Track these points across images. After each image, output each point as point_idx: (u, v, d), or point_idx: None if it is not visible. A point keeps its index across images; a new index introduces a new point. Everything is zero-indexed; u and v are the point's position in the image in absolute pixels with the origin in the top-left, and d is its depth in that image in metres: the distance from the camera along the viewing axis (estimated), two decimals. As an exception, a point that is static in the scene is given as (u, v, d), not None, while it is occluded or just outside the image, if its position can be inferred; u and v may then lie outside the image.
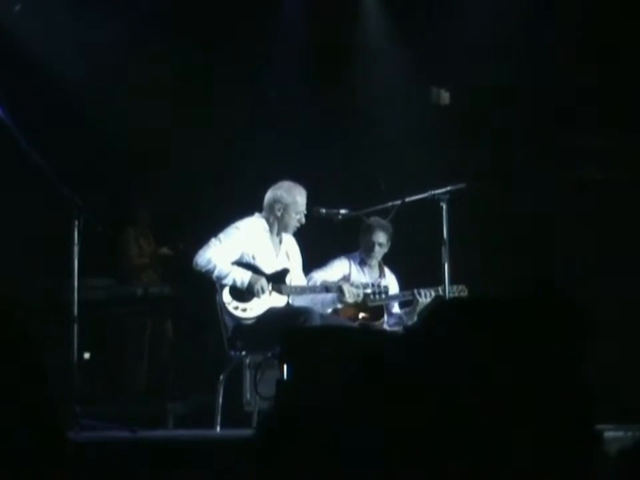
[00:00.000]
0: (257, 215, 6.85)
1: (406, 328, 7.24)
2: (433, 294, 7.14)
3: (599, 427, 1.51)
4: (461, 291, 7.05)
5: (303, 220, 6.81)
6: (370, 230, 7.39)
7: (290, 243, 6.95)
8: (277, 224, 6.82)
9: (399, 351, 1.43)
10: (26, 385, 1.59)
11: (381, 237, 7.41)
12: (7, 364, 1.60)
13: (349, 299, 6.83)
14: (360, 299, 6.92)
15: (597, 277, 8.07)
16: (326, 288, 6.95)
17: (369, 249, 7.45)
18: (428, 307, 7.23)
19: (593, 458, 1.39)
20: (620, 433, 4.94)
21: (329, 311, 6.91)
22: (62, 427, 1.62)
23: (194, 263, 6.61)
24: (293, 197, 6.77)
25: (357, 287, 6.92)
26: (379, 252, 7.46)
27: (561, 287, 1.49)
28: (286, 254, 6.90)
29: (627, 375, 7.53)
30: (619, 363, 7.45)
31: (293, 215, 6.76)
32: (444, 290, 6.75)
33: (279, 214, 6.78)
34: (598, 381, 1.56)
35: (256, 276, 6.65)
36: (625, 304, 7.93)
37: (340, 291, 6.85)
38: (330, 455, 1.34)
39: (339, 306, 6.97)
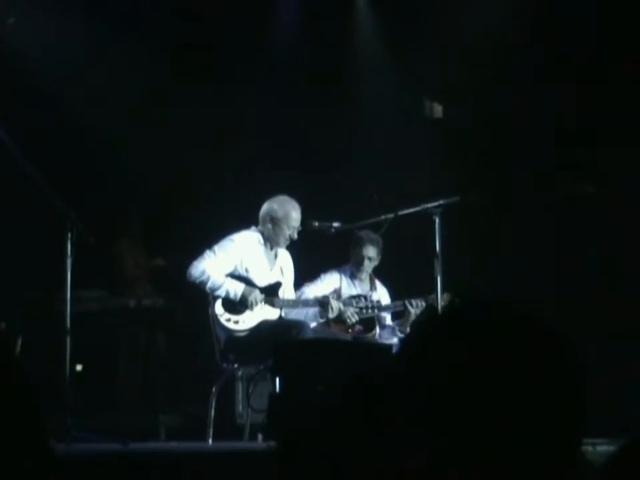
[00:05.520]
0: (253, 228, 6.86)
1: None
2: (424, 304, 7.13)
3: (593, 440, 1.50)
4: (446, 299, 6.98)
5: (295, 235, 6.79)
6: (360, 244, 7.38)
7: (285, 259, 6.95)
8: (269, 237, 6.82)
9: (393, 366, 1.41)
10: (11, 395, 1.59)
11: (370, 251, 7.39)
12: None
13: (331, 314, 6.85)
14: (347, 315, 6.94)
15: (590, 287, 8.06)
16: (318, 302, 6.95)
17: (359, 263, 7.43)
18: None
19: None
20: (612, 447, 4.93)
21: (313, 324, 6.89)
22: (49, 439, 1.62)
23: (188, 274, 6.61)
24: (285, 211, 6.76)
25: (344, 301, 6.96)
26: (369, 266, 7.45)
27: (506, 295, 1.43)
28: (280, 269, 6.90)
29: (623, 389, 7.50)
30: (616, 376, 7.40)
31: (285, 228, 6.76)
32: (435, 300, 6.73)
33: (269, 226, 6.78)
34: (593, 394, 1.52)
35: (249, 288, 6.65)
36: (623, 316, 7.87)
37: (322, 305, 6.87)
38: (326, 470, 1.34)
39: (321, 320, 6.96)
